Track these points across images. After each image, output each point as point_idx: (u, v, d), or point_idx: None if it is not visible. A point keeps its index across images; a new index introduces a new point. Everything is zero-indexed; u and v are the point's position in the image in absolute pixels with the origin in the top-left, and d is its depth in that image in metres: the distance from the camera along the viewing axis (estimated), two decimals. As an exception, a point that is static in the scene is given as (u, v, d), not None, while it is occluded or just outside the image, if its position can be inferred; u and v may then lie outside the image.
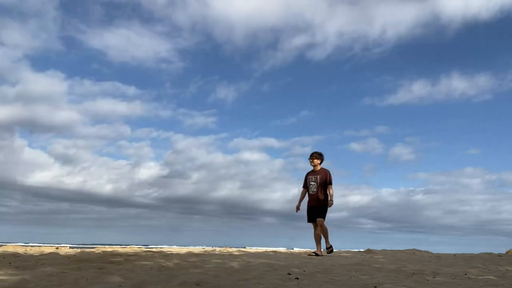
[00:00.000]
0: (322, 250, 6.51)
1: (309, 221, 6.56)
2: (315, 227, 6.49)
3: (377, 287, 2.27)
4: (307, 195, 6.65)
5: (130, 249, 7.33)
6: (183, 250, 8.47)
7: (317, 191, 6.45)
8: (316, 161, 6.54)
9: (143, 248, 8.50)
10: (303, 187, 6.68)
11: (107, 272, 2.73)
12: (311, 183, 6.52)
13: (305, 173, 6.75)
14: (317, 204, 6.42)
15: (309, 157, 6.62)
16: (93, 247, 8.78)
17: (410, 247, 9.00)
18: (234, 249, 9.55)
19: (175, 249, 9.34)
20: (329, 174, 6.49)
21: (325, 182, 6.45)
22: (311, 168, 6.65)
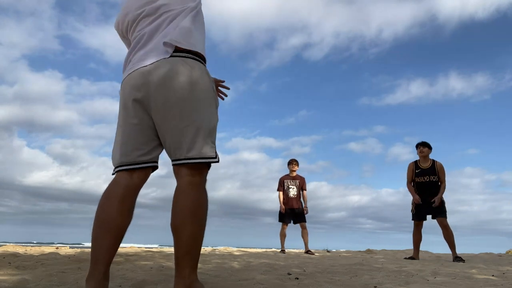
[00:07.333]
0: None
1: (285, 221, 7.08)
2: (286, 227, 7.14)
3: (377, 287, 2.27)
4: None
5: (130, 249, 7.33)
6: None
7: (296, 195, 7.14)
8: (297, 168, 7.29)
9: (143, 248, 8.50)
10: (280, 190, 7.26)
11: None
12: (290, 186, 7.19)
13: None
14: (298, 206, 7.08)
15: (291, 164, 7.30)
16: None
17: (410, 247, 8.98)
18: (234, 249, 9.55)
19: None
20: (305, 181, 7.24)
21: (301, 188, 7.17)
22: (287, 172, 7.35)
